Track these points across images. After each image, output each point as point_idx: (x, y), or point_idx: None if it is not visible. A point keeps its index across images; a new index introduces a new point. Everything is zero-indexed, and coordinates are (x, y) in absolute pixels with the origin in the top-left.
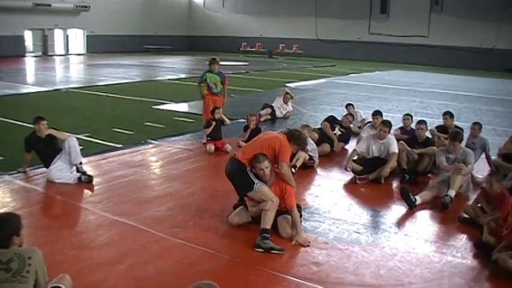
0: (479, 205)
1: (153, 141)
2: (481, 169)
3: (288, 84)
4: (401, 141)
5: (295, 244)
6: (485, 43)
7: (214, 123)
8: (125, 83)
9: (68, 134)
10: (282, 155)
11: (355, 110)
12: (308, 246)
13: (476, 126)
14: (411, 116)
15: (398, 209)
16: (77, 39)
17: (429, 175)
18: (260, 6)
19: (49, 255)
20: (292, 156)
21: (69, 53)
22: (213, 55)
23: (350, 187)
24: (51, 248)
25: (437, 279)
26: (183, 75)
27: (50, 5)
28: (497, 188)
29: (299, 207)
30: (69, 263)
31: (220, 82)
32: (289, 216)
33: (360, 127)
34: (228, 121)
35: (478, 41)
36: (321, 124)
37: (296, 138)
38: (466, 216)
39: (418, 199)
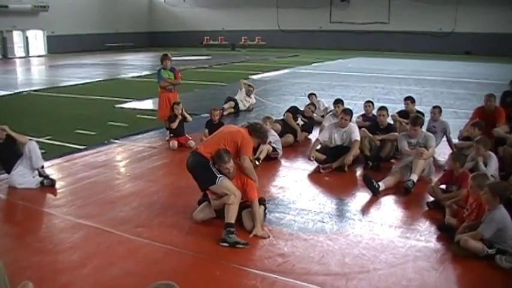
0: (442, 186)
1: (116, 141)
2: (442, 152)
3: (251, 76)
4: (363, 128)
5: (254, 237)
6: (445, 27)
7: (180, 117)
8: (87, 82)
9: (27, 137)
10: (244, 149)
11: (318, 99)
12: (268, 237)
13: (436, 109)
14: (372, 103)
15: (362, 196)
16: (37, 40)
17: (392, 161)
18: None
19: (12, 263)
20: (256, 148)
21: (30, 54)
22: (176, 50)
23: (314, 177)
24: (14, 255)
25: (402, 263)
26: (145, 72)
27: (7, 6)
28: (460, 169)
29: (263, 201)
30: (33, 269)
31: (173, 78)
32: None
33: (323, 116)
34: (189, 118)
35: (437, 25)
36: (284, 115)
37: (257, 131)
38: (432, 199)
39: (382, 185)
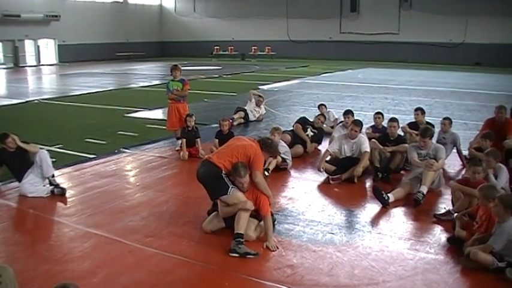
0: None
1: (126, 150)
2: (452, 164)
3: (260, 87)
4: (374, 140)
5: (265, 248)
6: (455, 38)
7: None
8: (97, 92)
9: (38, 146)
10: (256, 164)
11: (328, 110)
12: (276, 249)
13: (447, 121)
14: (382, 115)
15: (372, 208)
16: (48, 49)
17: (402, 172)
18: (231, 10)
19: (22, 272)
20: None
21: (41, 63)
22: (186, 60)
23: (324, 188)
24: (23, 263)
25: (411, 276)
26: (155, 82)
27: (19, 16)
28: (475, 177)
29: (271, 215)
30: (42, 278)
31: (182, 89)
32: (255, 220)
33: (332, 127)
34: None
35: (447, 36)
36: (293, 126)
37: (268, 146)
38: (441, 212)
39: (391, 197)
